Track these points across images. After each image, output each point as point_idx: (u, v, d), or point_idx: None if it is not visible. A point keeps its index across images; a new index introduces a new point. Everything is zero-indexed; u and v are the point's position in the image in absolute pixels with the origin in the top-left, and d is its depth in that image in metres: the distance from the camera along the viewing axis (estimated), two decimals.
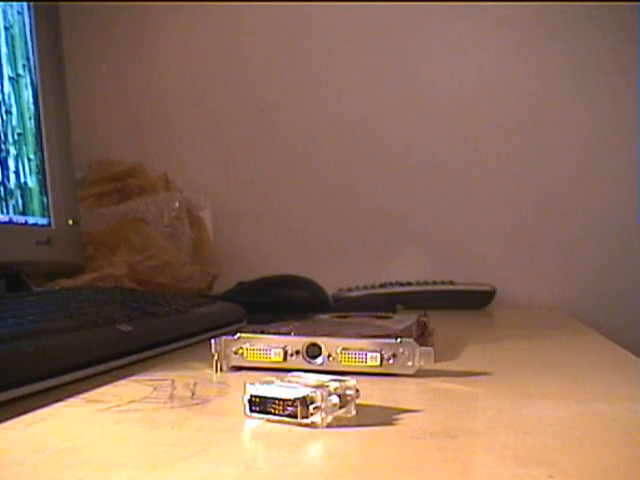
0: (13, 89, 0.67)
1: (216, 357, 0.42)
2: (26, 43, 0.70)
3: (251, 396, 0.29)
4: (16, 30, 0.68)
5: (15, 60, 0.68)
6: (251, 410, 0.30)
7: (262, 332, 0.42)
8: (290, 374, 0.31)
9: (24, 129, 0.68)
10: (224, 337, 0.42)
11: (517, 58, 1.05)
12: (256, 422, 0.30)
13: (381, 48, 1.07)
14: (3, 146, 0.65)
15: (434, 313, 0.60)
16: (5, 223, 0.63)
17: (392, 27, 1.06)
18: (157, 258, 0.84)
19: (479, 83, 1.05)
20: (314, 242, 1.07)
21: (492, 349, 0.55)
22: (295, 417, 0.28)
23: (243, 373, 0.41)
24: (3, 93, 0.65)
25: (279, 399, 0.29)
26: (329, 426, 0.29)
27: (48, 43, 0.73)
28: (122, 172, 0.96)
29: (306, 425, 0.29)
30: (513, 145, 1.04)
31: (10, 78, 0.67)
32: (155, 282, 0.82)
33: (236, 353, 0.42)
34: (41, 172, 0.70)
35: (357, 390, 0.31)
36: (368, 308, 0.65)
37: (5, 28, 0.66)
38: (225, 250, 1.03)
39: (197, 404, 0.33)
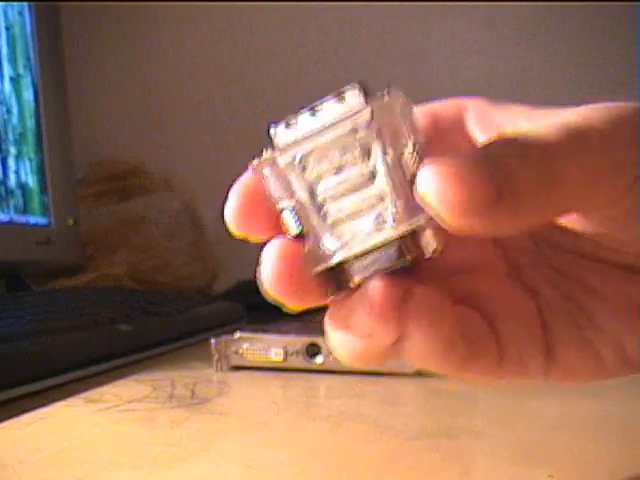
0: (14, 89, 0.67)
1: (216, 357, 0.42)
2: (27, 43, 0.70)
3: None
4: (17, 30, 0.68)
5: (16, 60, 0.68)
6: None
7: (262, 332, 0.42)
8: None
9: (24, 129, 0.68)
10: (224, 337, 0.42)
11: (517, 59, 1.05)
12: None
13: (381, 48, 1.07)
14: (3, 146, 0.65)
15: None
16: (5, 223, 0.63)
17: (392, 27, 1.06)
18: (157, 258, 0.84)
19: (478, 84, 1.05)
20: None
21: None
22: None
23: (243, 373, 0.41)
24: (4, 93, 0.65)
25: None
26: None
27: (48, 43, 0.73)
28: (123, 172, 0.96)
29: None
30: None
31: (11, 78, 0.67)
32: (155, 282, 0.82)
33: (236, 353, 0.42)
34: (41, 172, 0.70)
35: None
36: None
37: (6, 28, 0.66)
38: (225, 250, 1.03)
39: (197, 404, 0.33)
